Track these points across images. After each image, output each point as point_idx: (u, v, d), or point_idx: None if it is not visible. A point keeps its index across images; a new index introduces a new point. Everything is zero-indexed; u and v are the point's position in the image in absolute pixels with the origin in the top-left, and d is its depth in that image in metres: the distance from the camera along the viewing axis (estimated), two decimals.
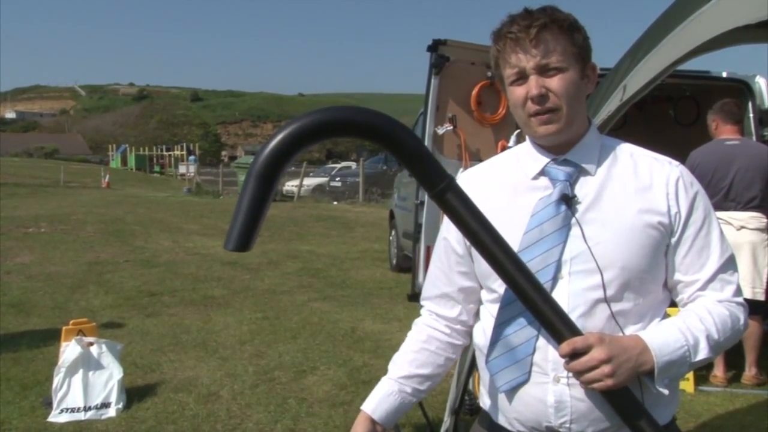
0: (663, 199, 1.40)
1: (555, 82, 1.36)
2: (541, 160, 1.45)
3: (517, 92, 1.39)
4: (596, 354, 1.28)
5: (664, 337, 1.34)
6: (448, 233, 1.56)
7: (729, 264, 1.43)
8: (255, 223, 1.19)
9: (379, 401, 1.52)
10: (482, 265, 1.45)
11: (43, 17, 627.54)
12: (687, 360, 1.34)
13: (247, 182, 1.20)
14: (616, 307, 1.36)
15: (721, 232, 1.44)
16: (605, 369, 1.27)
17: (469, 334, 1.60)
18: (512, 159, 1.53)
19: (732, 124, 4.69)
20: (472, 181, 1.52)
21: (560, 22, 1.36)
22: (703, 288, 1.42)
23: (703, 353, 1.35)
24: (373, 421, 1.50)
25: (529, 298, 1.30)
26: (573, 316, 1.33)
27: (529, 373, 1.38)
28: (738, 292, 1.44)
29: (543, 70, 1.36)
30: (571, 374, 1.34)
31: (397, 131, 1.24)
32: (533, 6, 1.40)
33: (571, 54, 1.37)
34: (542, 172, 1.45)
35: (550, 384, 1.37)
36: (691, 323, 1.36)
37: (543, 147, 1.45)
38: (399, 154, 1.26)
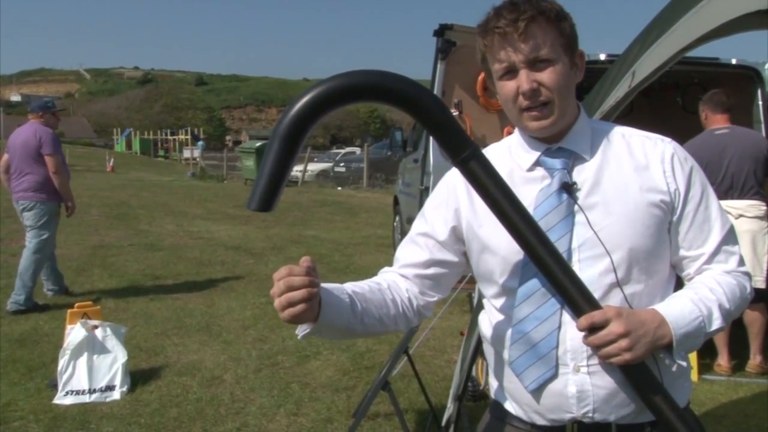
0: (661, 177, 1.40)
1: (546, 75, 1.34)
2: (535, 152, 1.44)
3: (508, 87, 1.37)
4: (614, 328, 1.27)
5: (679, 309, 1.34)
6: (435, 220, 1.51)
7: (730, 235, 1.44)
8: (278, 184, 1.19)
9: (331, 287, 1.38)
10: (487, 262, 1.45)
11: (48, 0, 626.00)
12: (702, 330, 1.34)
13: (272, 143, 1.19)
14: (629, 289, 1.36)
15: (719, 205, 1.45)
16: (622, 343, 1.27)
17: (419, 317, 1.54)
18: (505, 151, 1.50)
19: (721, 113, 4.70)
20: None
21: (547, 13, 1.33)
22: (708, 261, 1.42)
23: (717, 323, 1.35)
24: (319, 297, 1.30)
25: (550, 270, 1.28)
26: None
27: (556, 366, 1.36)
28: (741, 261, 1.45)
29: (533, 64, 1.34)
30: (591, 363, 1.34)
31: (423, 97, 1.23)
32: None
33: (559, 45, 1.35)
34: (537, 163, 1.43)
35: (571, 374, 1.36)
36: (703, 294, 1.37)
37: (535, 137, 1.44)
38: (424, 121, 1.25)
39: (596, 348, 1.30)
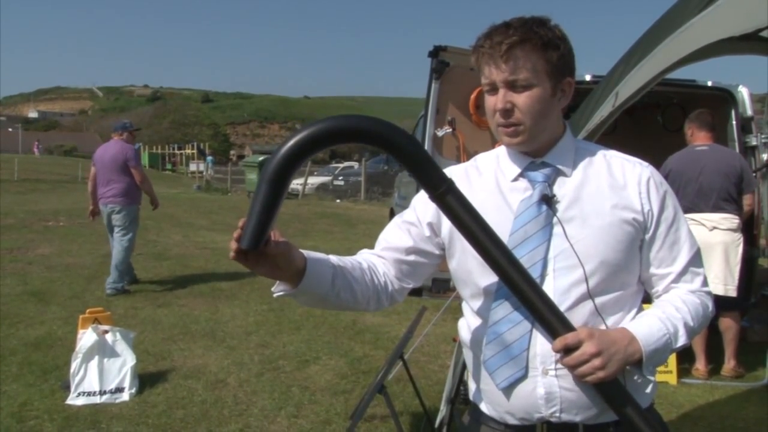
0: (636, 198, 1.41)
1: (521, 99, 1.36)
2: (520, 163, 1.45)
3: (489, 101, 1.41)
4: (587, 348, 1.29)
5: (648, 327, 1.36)
6: (423, 215, 1.51)
7: (697, 257, 1.47)
8: (266, 224, 1.20)
9: (317, 257, 1.38)
10: (465, 264, 1.45)
11: (64, 22, 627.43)
12: (669, 347, 1.37)
13: (260, 186, 1.20)
14: (599, 300, 1.37)
15: (689, 228, 1.47)
16: (596, 362, 1.29)
17: (391, 301, 1.53)
18: (493, 161, 1.52)
19: (705, 131, 4.74)
20: (455, 180, 1.44)
21: (534, 40, 1.34)
22: (676, 280, 1.45)
23: (682, 339, 1.38)
24: (304, 259, 1.33)
25: (525, 295, 1.30)
26: None
27: (526, 368, 1.37)
28: (705, 282, 1.48)
29: (511, 86, 1.36)
30: (558, 366, 1.35)
31: (399, 138, 1.24)
32: (525, 14, 1.39)
33: (542, 71, 1.36)
34: (521, 175, 1.45)
35: (540, 377, 1.37)
36: (670, 313, 1.39)
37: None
38: (402, 159, 1.27)
39: (571, 368, 1.31)
